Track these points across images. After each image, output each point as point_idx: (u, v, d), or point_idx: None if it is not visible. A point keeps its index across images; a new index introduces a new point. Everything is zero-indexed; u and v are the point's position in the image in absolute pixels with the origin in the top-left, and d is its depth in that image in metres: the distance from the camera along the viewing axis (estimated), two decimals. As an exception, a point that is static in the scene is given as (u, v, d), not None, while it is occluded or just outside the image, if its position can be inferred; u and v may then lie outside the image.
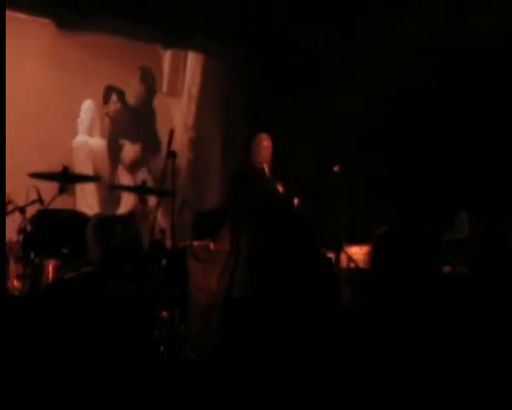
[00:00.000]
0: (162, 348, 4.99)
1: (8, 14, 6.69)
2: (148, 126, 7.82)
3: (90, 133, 7.47)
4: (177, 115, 8.10)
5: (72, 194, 6.98)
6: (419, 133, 7.13)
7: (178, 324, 5.29)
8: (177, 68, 8.22)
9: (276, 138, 5.90)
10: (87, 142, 7.43)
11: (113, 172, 7.63)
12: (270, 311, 4.82)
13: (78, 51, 7.21)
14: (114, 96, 7.69)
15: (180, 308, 5.35)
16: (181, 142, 7.79)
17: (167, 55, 8.10)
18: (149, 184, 6.82)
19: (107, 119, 7.64)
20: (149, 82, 7.99)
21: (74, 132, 7.30)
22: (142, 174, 7.64)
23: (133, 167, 7.77)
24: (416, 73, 6.81)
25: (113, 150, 7.61)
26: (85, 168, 7.21)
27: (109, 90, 7.64)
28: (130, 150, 7.72)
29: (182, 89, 8.22)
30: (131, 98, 7.78)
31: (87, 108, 7.41)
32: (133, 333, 4.71)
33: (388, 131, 7.24)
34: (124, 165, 7.69)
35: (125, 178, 7.62)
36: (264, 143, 5.93)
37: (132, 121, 7.81)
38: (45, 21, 7.07)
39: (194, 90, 8.33)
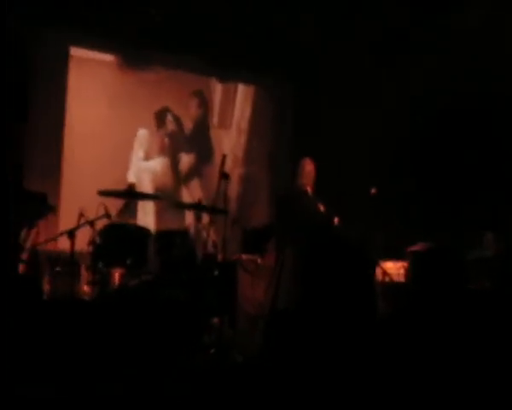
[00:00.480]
0: (212, 351, 5.35)
1: (80, 54, 7.59)
2: (201, 141, 8.32)
3: (148, 157, 8.00)
4: (227, 145, 8.55)
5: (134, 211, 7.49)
6: (449, 158, 7.35)
7: (227, 329, 5.67)
8: (227, 102, 8.67)
9: (319, 162, 6.20)
10: (149, 165, 7.98)
11: (177, 188, 8.16)
12: (314, 320, 5.46)
13: (140, 87, 7.89)
14: (170, 117, 8.20)
15: (229, 315, 5.74)
16: (231, 173, 8.34)
17: (218, 89, 8.58)
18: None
19: (166, 139, 8.14)
20: (204, 105, 8.47)
21: (136, 156, 7.91)
22: (195, 188, 8.17)
23: (188, 178, 8.24)
24: (448, 98, 7.08)
25: (175, 166, 8.14)
26: (148, 189, 7.73)
27: (163, 113, 8.14)
28: (185, 160, 8.21)
29: (231, 122, 8.67)
30: (188, 121, 8.32)
31: (143, 135, 7.97)
32: (185, 336, 5.25)
33: (421, 156, 7.50)
34: (181, 177, 8.19)
35: (186, 196, 8.15)
36: (308, 168, 6.16)
37: (188, 138, 8.31)
38: (111, 61, 7.86)
39: (244, 124, 8.74)
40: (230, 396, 4.51)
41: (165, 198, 7.65)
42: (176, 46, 7.83)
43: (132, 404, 4.25)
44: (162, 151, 8.18)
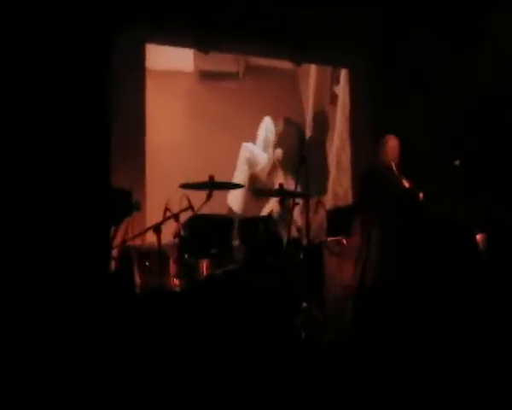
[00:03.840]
0: (303, 334, 5.70)
1: (157, 67, 8.37)
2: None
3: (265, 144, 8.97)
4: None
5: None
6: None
7: (316, 312, 5.97)
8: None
9: (402, 137, 6.67)
10: (252, 151, 8.90)
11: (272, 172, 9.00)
12: (406, 299, 5.85)
13: (216, 99, 8.62)
14: (289, 128, 9.07)
15: (317, 298, 6.12)
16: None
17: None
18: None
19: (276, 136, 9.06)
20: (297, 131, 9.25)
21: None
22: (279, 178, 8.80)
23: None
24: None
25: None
26: (242, 172, 8.64)
27: (286, 123, 9.06)
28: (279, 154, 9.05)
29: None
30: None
31: (266, 122, 8.93)
32: (276, 320, 5.63)
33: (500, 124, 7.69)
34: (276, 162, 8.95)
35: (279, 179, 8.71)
36: (391, 143, 6.66)
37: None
38: (189, 73, 8.63)
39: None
40: (323, 380, 4.70)
41: (245, 186, 8.10)
42: (252, 32, 8.30)
43: (222, 389, 4.52)
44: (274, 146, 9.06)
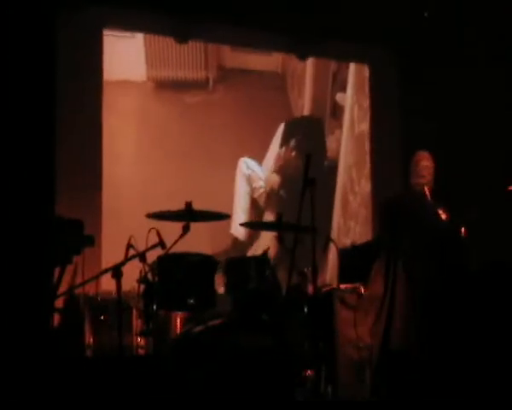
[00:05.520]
0: None
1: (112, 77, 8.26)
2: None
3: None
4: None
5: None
6: None
7: (325, 384, 5.80)
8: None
9: (437, 156, 6.42)
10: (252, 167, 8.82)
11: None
12: (437, 366, 5.65)
13: (177, 116, 8.45)
14: (292, 143, 8.97)
15: (326, 364, 5.83)
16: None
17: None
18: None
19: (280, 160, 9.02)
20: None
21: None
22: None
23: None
24: None
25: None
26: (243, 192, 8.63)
27: (288, 137, 8.95)
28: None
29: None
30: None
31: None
32: (273, 394, 5.38)
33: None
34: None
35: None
36: (424, 163, 6.38)
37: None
38: (139, 83, 8.40)
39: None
40: None
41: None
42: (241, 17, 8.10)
43: None
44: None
